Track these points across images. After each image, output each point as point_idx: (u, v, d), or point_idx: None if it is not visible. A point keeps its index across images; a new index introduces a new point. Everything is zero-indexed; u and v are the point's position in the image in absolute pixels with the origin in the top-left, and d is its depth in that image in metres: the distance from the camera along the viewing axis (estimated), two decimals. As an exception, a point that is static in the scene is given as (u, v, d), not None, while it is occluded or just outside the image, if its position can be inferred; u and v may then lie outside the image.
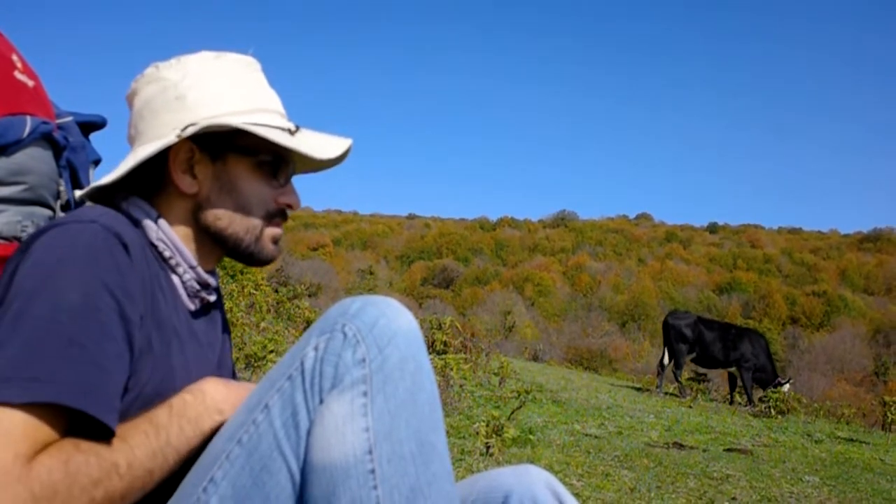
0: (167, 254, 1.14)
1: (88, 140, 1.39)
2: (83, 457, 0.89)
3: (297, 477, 0.95)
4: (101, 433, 0.92)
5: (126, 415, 0.99)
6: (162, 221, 1.14)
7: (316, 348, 0.97)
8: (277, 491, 0.96)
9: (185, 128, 1.11)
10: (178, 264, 1.14)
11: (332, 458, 0.91)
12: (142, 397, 1.01)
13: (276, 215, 1.22)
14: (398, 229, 73.90)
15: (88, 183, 1.29)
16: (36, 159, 1.16)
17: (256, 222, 1.19)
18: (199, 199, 1.17)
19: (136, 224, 1.12)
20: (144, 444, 0.96)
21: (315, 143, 1.18)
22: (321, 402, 0.95)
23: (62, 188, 1.24)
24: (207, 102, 1.15)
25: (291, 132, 1.17)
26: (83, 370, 0.90)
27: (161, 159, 1.15)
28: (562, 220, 78.60)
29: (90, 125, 1.41)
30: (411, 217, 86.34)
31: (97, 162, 1.37)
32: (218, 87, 1.16)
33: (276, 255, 1.24)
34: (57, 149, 1.22)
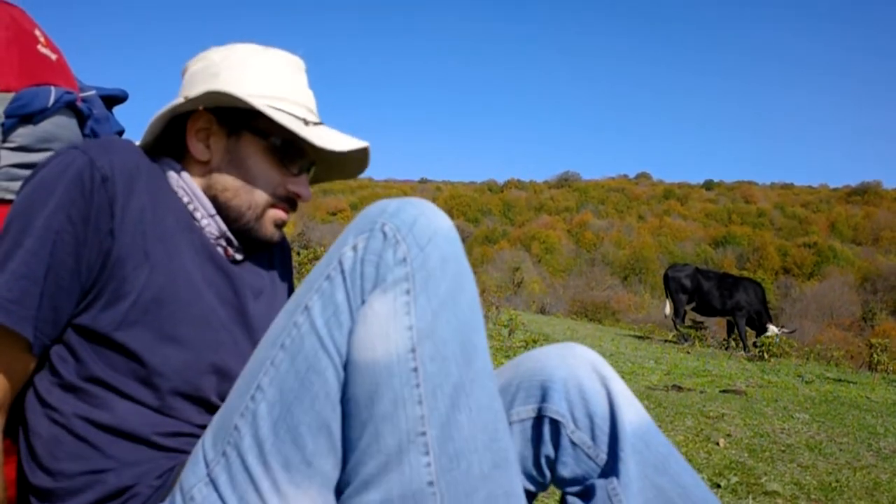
0: (185, 200, 1.13)
1: (112, 113, 1.39)
2: None
3: (343, 375, 0.90)
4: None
5: (125, 321, 1.00)
6: (185, 174, 1.14)
7: (354, 248, 0.91)
8: (327, 389, 0.90)
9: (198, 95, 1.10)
10: (195, 209, 1.13)
11: (375, 356, 0.87)
12: (140, 303, 1.01)
13: (284, 200, 1.18)
14: (411, 193, 73.32)
15: None
16: (61, 127, 1.17)
17: (260, 200, 1.16)
18: (211, 168, 1.16)
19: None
20: None
21: (326, 136, 1.14)
22: (363, 302, 0.89)
23: None
24: (236, 81, 1.13)
25: (306, 123, 1.14)
26: (15, 284, 0.95)
27: (183, 126, 1.16)
28: (565, 181, 78.01)
29: (113, 99, 1.41)
30: (423, 181, 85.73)
31: (121, 133, 1.37)
32: (252, 73, 1.15)
33: (277, 239, 1.20)
34: (81, 118, 1.22)
